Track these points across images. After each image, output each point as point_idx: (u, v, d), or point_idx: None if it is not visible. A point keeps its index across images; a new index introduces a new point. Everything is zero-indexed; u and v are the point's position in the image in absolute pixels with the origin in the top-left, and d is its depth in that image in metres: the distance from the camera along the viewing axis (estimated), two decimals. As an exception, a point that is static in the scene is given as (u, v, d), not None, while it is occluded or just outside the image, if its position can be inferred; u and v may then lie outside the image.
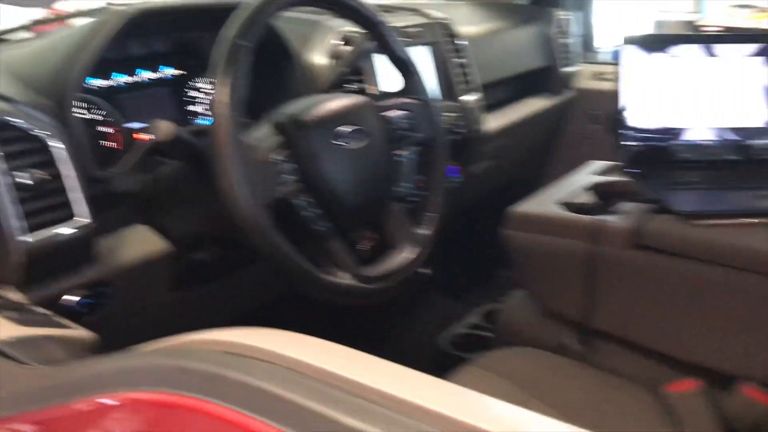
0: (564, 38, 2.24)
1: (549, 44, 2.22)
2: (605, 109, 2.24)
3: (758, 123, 1.47)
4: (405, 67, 1.20)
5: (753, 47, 1.46)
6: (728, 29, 4.67)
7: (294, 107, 1.06)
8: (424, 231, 1.19)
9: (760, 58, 1.46)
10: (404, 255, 1.13)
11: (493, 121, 1.91)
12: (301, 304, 1.73)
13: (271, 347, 0.55)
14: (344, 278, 1.04)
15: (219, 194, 0.94)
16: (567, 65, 2.24)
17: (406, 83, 1.22)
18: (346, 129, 1.07)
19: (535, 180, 2.46)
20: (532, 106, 2.16)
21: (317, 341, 0.60)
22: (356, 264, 1.07)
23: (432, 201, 1.22)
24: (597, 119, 2.29)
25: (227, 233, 1.16)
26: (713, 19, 4.88)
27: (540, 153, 2.38)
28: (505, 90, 2.10)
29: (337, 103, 1.08)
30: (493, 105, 1.99)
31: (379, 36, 1.16)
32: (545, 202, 1.38)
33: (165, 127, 0.94)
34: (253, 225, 0.93)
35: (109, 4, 1.53)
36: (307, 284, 1.00)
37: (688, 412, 1.08)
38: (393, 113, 1.17)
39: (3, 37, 1.39)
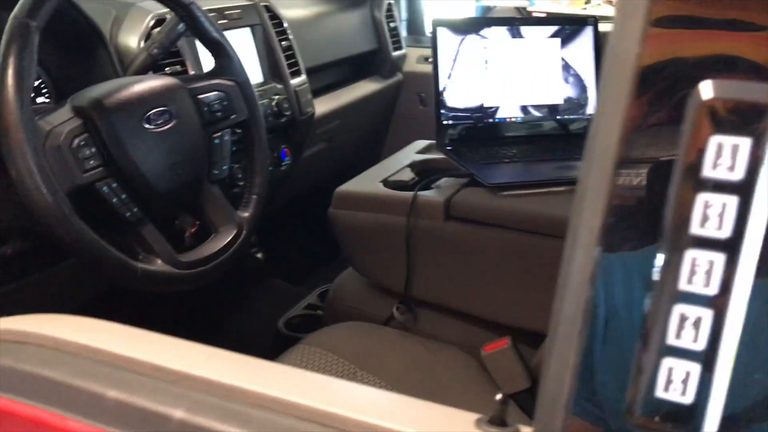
0: (391, 22, 2.30)
1: (377, 28, 2.27)
2: (431, 91, 2.34)
3: (559, 100, 1.60)
4: (218, 48, 1.19)
5: (551, 29, 1.58)
6: (550, 15, 5.01)
7: (97, 90, 1.02)
8: (244, 213, 1.19)
9: (557, 39, 1.59)
10: (223, 238, 1.13)
11: (322, 105, 1.94)
12: (127, 298, 1.68)
13: (60, 334, 0.54)
14: (159, 265, 1.02)
15: (14, 183, 0.89)
16: (395, 49, 2.31)
17: (218, 64, 1.21)
18: (154, 111, 1.05)
19: (368, 162, 2.52)
20: (362, 89, 2.21)
21: (108, 324, 0.59)
22: (172, 249, 1.05)
23: (252, 182, 1.22)
24: (424, 101, 2.38)
25: (31, 225, 1.10)
26: (539, 5, 5.20)
27: (372, 135, 2.44)
28: (334, 73, 2.14)
29: (143, 85, 1.06)
30: (322, 88, 2.02)
31: (190, 18, 1.15)
32: (368, 181, 1.42)
33: None
34: (53, 215, 0.89)
35: None
36: (118, 273, 0.97)
37: (498, 368, 1.16)
38: (207, 95, 1.16)
39: None
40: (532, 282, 1.26)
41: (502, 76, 1.58)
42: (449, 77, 1.54)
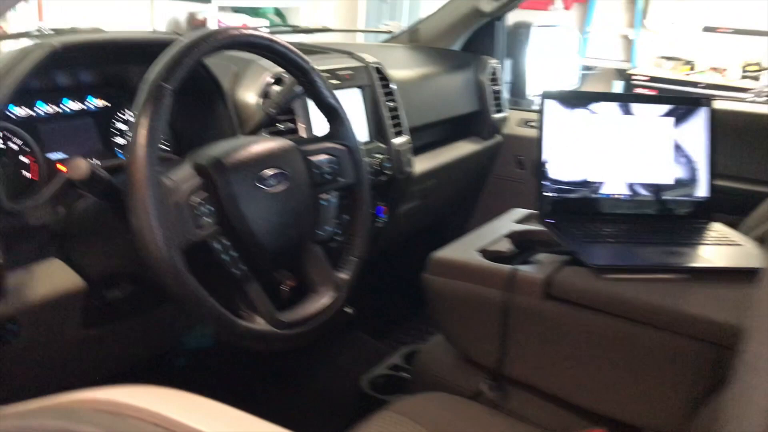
0: (495, 85, 2.31)
1: (480, 90, 2.28)
2: (531, 155, 2.33)
3: (669, 180, 1.55)
4: (333, 113, 1.22)
5: (664, 108, 1.55)
6: (653, 78, 4.91)
7: (216, 149, 1.06)
8: (343, 275, 1.20)
9: (671, 119, 1.55)
10: (322, 300, 1.14)
11: (421, 163, 1.96)
12: (218, 344, 1.72)
13: (160, 409, 0.55)
14: (260, 324, 1.04)
15: (133, 235, 0.93)
16: (497, 111, 2.31)
17: (332, 128, 1.24)
18: (269, 172, 1.08)
19: (460, 221, 2.52)
20: (461, 149, 2.22)
21: (208, 403, 0.59)
22: (273, 308, 1.07)
23: (353, 245, 1.23)
24: (522, 164, 2.36)
25: (142, 271, 1.15)
26: (642, 69, 5.12)
27: (466, 195, 2.44)
28: (434, 133, 2.15)
29: (260, 146, 1.09)
30: (422, 147, 2.04)
31: (308, 82, 1.18)
32: (465, 249, 1.41)
33: (79, 165, 0.93)
34: (166, 269, 0.93)
35: (39, 30, 1.51)
36: (221, 329, 0.99)
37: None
38: (318, 157, 1.19)
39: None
40: (632, 373, 1.20)
41: (610, 151, 1.55)
42: (554, 149, 1.53)
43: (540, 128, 1.51)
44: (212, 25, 4.54)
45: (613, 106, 1.55)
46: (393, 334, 2.28)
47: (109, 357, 1.34)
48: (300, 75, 1.18)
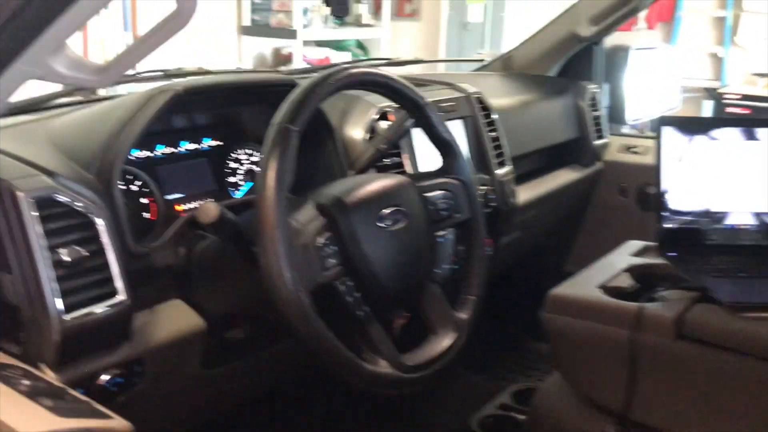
0: (595, 110, 2.24)
1: (579, 116, 2.22)
2: (634, 182, 2.24)
3: (799, 208, 1.45)
4: (447, 147, 1.20)
5: (792, 132, 1.45)
6: (746, 96, 4.70)
7: (337, 188, 1.05)
8: (462, 315, 1.16)
9: (800, 144, 1.45)
10: (444, 341, 1.11)
11: (524, 193, 1.90)
12: (326, 382, 1.70)
13: None
14: (384, 367, 1.01)
15: (262, 276, 0.92)
16: (597, 137, 2.24)
17: (446, 163, 1.22)
18: (387, 210, 1.06)
19: (560, 251, 2.44)
20: (562, 177, 2.15)
21: None
22: (396, 351, 1.04)
23: (471, 283, 1.20)
24: (625, 192, 2.27)
25: (262, 312, 1.14)
26: (733, 87, 4.91)
27: (568, 223, 2.37)
28: (535, 161, 2.10)
29: (378, 184, 1.08)
30: (523, 176, 1.99)
31: (423, 117, 1.16)
32: (585, 285, 1.35)
33: (210, 209, 0.93)
34: (295, 311, 0.91)
35: (165, 71, 1.55)
36: (347, 373, 0.97)
37: None
38: (433, 193, 1.16)
39: (46, 104, 1.40)
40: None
41: (734, 179, 1.46)
42: (673, 177, 1.45)
43: (657, 156, 1.44)
44: (297, 60, 4.64)
45: (735, 131, 1.46)
46: (494, 368, 2.22)
47: (226, 394, 1.34)
48: (415, 111, 1.16)
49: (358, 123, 1.44)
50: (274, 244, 0.90)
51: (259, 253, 0.92)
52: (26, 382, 0.86)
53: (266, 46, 4.66)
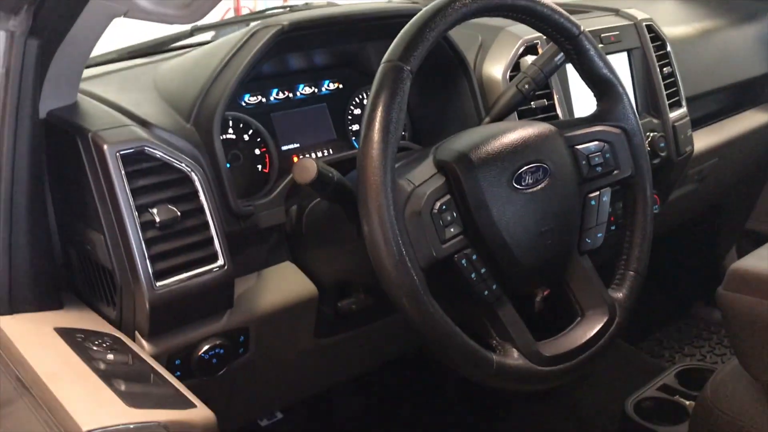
0: (795, 39, 1.86)
1: (774, 46, 1.85)
2: None
3: None
4: (607, 87, 0.97)
5: None
6: None
7: (461, 142, 0.87)
8: (618, 293, 0.95)
9: None
10: (593, 326, 0.91)
11: (700, 140, 1.61)
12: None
13: None
14: (515, 358, 0.83)
15: (367, 248, 0.77)
16: (797, 72, 1.86)
17: (604, 106, 0.99)
18: (526, 167, 0.87)
19: (742, 208, 2.10)
20: (748, 120, 1.82)
21: None
22: (532, 338, 0.86)
23: (630, 255, 0.98)
24: (831, 138, 1.89)
25: (376, 282, 1.00)
26: None
27: (755, 174, 2.02)
28: (716, 101, 1.78)
29: (514, 135, 0.88)
30: (700, 119, 1.69)
31: (577, 50, 0.94)
32: (777, 259, 1.08)
33: (306, 167, 0.79)
34: (405, 293, 0.76)
35: (291, 7, 1.42)
36: (469, 365, 0.81)
37: None
38: (586, 145, 0.94)
39: (168, 45, 1.32)
40: None
41: None
42: None
43: None
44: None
45: None
46: (656, 339, 1.97)
47: (340, 364, 1.23)
48: (566, 42, 0.94)
49: (500, 58, 1.24)
50: (379, 210, 0.74)
51: (362, 220, 0.76)
52: (110, 357, 0.79)
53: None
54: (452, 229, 0.81)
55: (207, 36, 1.43)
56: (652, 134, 1.41)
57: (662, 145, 1.42)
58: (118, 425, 0.63)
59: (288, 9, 1.52)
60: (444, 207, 0.81)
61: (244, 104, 1.11)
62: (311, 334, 1.08)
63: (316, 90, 1.20)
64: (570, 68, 1.32)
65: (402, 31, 0.81)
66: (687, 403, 1.44)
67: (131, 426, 0.64)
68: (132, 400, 0.69)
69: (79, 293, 0.98)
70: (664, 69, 1.47)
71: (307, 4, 1.55)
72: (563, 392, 1.58)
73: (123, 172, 0.84)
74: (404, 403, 1.60)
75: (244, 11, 3.79)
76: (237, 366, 0.98)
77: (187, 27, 1.30)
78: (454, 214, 0.82)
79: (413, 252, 0.77)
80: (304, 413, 1.38)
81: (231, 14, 3.73)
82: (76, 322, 0.88)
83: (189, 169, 0.89)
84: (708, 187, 1.79)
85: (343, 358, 1.20)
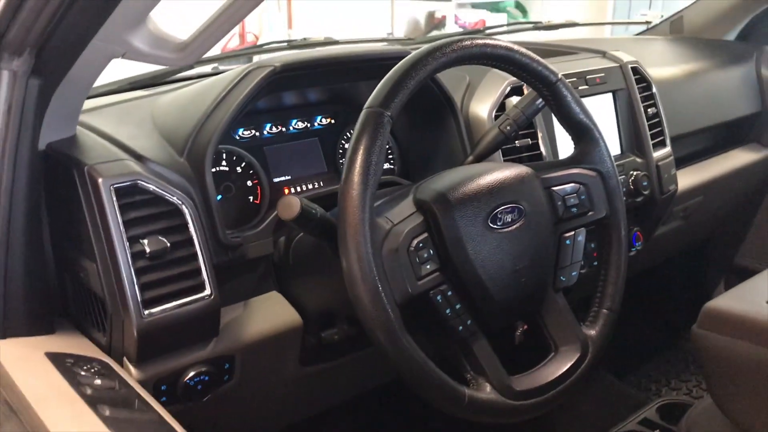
0: (780, 80, 1.91)
1: (761, 86, 1.89)
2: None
3: None
4: (583, 132, 1.01)
5: None
6: None
7: (441, 182, 0.91)
8: (591, 330, 0.99)
9: None
10: (565, 362, 0.94)
11: (685, 178, 1.65)
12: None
13: None
14: (487, 392, 0.87)
15: (345, 285, 0.81)
16: (783, 112, 1.91)
17: (580, 150, 1.03)
18: (502, 208, 0.90)
19: (729, 242, 2.13)
20: (735, 159, 1.86)
21: None
22: (504, 373, 0.89)
23: (604, 293, 1.01)
24: (816, 177, 1.93)
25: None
26: None
27: (742, 211, 2.05)
28: (702, 140, 1.82)
29: (492, 177, 0.92)
30: (686, 158, 1.73)
31: (554, 97, 0.98)
32: (749, 299, 1.12)
33: (290, 204, 0.83)
34: (380, 328, 0.79)
35: (289, 42, 1.47)
36: (443, 400, 0.84)
37: None
38: (562, 187, 0.98)
39: (167, 78, 1.36)
40: None
41: None
42: None
43: None
44: (450, 23, 4.46)
45: None
46: (642, 370, 1.99)
47: (324, 391, 1.26)
48: (544, 89, 0.98)
49: (486, 99, 1.28)
50: (357, 247, 0.78)
51: (341, 255, 0.80)
52: (98, 382, 0.82)
53: (420, 9, 4.52)
54: (428, 266, 0.85)
55: (208, 68, 1.48)
56: (635, 173, 1.45)
57: (645, 183, 1.46)
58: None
59: (287, 43, 1.58)
60: (421, 245, 0.85)
61: (238, 138, 1.15)
62: (296, 362, 1.11)
63: (308, 125, 1.25)
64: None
65: (384, 79, 0.85)
66: (667, 440, 1.46)
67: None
68: (116, 426, 0.72)
69: (72, 318, 1.01)
70: (649, 110, 1.52)
71: (305, 39, 1.61)
72: (545, 423, 1.60)
73: (116, 204, 0.88)
74: (390, 428, 1.62)
75: (249, 37, 3.87)
76: (222, 393, 1.01)
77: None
78: (431, 252, 0.85)
79: (389, 288, 0.80)
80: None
81: (236, 39, 3.81)
82: (67, 347, 0.91)
83: (180, 202, 0.93)
84: (694, 223, 1.82)
85: (328, 385, 1.23)
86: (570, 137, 1.04)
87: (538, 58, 0.96)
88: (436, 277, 0.86)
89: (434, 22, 4.51)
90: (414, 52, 0.87)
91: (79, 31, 0.81)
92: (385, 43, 1.78)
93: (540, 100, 1.12)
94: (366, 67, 1.17)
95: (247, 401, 1.08)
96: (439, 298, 0.85)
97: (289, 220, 0.83)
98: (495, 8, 4.56)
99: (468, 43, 0.89)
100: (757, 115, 1.90)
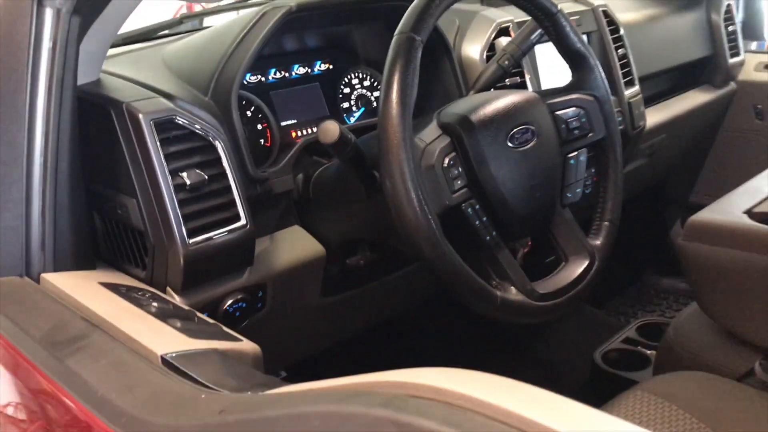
0: (730, 25, 2.04)
1: (712, 31, 2.02)
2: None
3: None
4: (581, 60, 1.09)
5: None
6: None
7: (462, 106, 0.98)
8: (596, 241, 1.08)
9: None
10: (577, 268, 1.03)
11: (652, 116, 1.77)
12: (442, 311, 1.67)
13: (475, 393, 0.47)
14: (514, 294, 0.95)
15: (387, 199, 0.87)
16: (732, 55, 2.04)
17: (579, 77, 1.11)
18: (517, 129, 0.98)
19: (688, 179, 2.27)
20: (692, 99, 1.99)
21: (512, 383, 0.51)
22: (526, 277, 0.97)
23: (605, 208, 1.11)
24: (762, 114, 2.07)
25: (383, 238, 1.10)
26: None
27: (696, 150, 2.20)
28: (663, 82, 1.94)
29: (506, 100, 0.99)
30: (650, 98, 1.84)
31: (555, 27, 1.06)
32: (730, 211, 1.23)
33: (330, 129, 0.88)
34: (423, 235, 0.86)
35: None
36: (478, 299, 0.92)
37: None
38: (565, 111, 1.07)
39: (158, 33, 1.39)
40: None
41: None
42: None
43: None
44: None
45: None
46: (613, 303, 2.12)
47: (345, 321, 1.32)
48: (546, 19, 1.06)
49: (476, 40, 1.35)
50: (401, 163, 0.84)
51: (383, 174, 0.86)
52: (155, 304, 0.86)
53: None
54: (459, 182, 0.92)
55: (196, 24, 1.51)
56: (611, 110, 1.55)
57: (619, 119, 1.56)
58: (188, 350, 0.72)
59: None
60: (451, 162, 0.92)
61: (246, 83, 1.19)
62: (318, 292, 1.17)
63: (309, 70, 1.29)
64: (538, 50, 1.46)
65: (411, 6, 0.91)
66: (648, 352, 1.59)
67: (198, 351, 0.72)
68: (189, 333, 0.77)
69: (103, 258, 1.05)
70: (619, 50, 1.62)
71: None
72: (536, 348, 1.71)
73: (157, 139, 0.92)
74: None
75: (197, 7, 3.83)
76: (256, 320, 1.07)
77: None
78: (460, 170, 0.92)
79: (430, 200, 0.87)
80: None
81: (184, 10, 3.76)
82: (112, 279, 0.95)
83: (213, 137, 0.98)
84: (656, 161, 1.95)
85: (349, 315, 1.30)
86: (568, 66, 1.12)
87: None
88: (466, 192, 0.93)
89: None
90: None
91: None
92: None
93: (534, 35, 1.20)
94: (366, 8, 1.23)
95: (280, 328, 1.13)
96: (469, 210, 0.93)
97: (329, 143, 0.89)
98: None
99: (482, -25, 0.96)
100: (709, 58, 2.03)
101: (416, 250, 0.88)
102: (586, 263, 1.04)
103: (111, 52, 1.23)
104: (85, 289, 0.87)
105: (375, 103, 1.33)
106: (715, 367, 1.22)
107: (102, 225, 1.03)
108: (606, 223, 1.10)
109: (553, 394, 0.48)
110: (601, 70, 1.10)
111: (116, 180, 0.96)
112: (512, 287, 0.96)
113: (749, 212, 1.22)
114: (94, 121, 0.97)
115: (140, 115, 0.92)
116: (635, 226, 2.34)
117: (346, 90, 1.32)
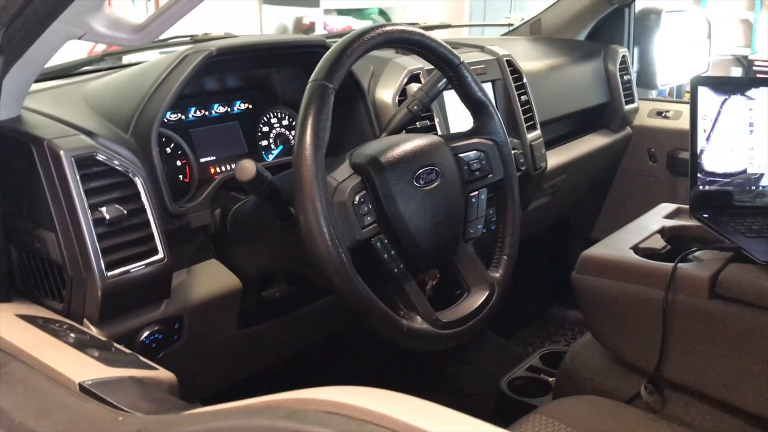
0: (625, 74, 2.21)
1: (609, 80, 2.19)
2: (664, 147, 2.22)
3: (836, 169, 1.43)
4: (481, 107, 1.19)
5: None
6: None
7: (372, 147, 1.06)
8: (495, 274, 1.17)
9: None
10: (478, 299, 1.11)
11: (553, 158, 1.90)
12: (358, 341, 1.72)
13: (369, 405, 0.53)
14: (420, 323, 1.02)
15: (301, 234, 0.93)
16: (627, 102, 2.21)
17: (479, 123, 1.21)
18: (422, 170, 1.06)
19: (588, 217, 2.43)
20: (591, 142, 2.14)
21: (402, 397, 0.57)
22: (431, 308, 1.05)
23: (504, 243, 1.20)
24: (654, 157, 2.25)
25: (298, 270, 1.16)
26: (765, 54, 4.80)
27: (596, 189, 2.35)
28: (563, 126, 2.08)
29: (413, 144, 1.08)
30: (551, 141, 1.98)
31: (458, 78, 1.15)
32: (618, 246, 1.35)
33: (246, 167, 0.94)
34: (334, 267, 0.92)
35: (192, 37, 1.56)
36: (386, 329, 0.98)
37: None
38: (466, 154, 1.16)
39: (79, 69, 1.42)
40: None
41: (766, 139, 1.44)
42: (708, 139, 1.44)
43: (692, 117, 1.42)
44: (319, 29, 4.62)
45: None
46: (521, 334, 2.23)
47: (262, 352, 1.36)
48: (449, 70, 1.15)
49: (389, 85, 1.44)
50: (314, 200, 0.91)
51: (298, 210, 0.92)
52: (73, 335, 0.89)
53: (288, 14, 4.63)
54: (369, 218, 0.99)
55: (116, 61, 1.54)
56: (513, 152, 1.66)
57: (522, 161, 1.67)
58: (105, 377, 0.75)
59: (190, 38, 1.66)
60: (362, 200, 0.99)
61: (166, 120, 1.24)
62: (234, 324, 1.21)
63: (228, 109, 1.35)
64: (447, 96, 1.56)
65: (325, 56, 0.99)
66: (550, 379, 1.69)
67: (116, 378, 0.76)
68: (107, 362, 0.80)
69: (18, 290, 1.06)
70: (522, 97, 1.74)
71: (206, 34, 1.70)
72: (448, 376, 1.79)
73: (77, 175, 0.95)
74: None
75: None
76: (173, 351, 1.10)
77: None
78: (369, 206, 1.00)
79: (341, 235, 0.94)
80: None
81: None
82: (29, 312, 0.97)
83: (132, 173, 1.02)
84: (559, 199, 2.08)
85: (266, 346, 1.34)
86: (469, 113, 1.22)
87: (444, 43, 1.14)
88: (375, 228, 1.00)
89: (303, 27, 4.64)
90: (348, 34, 1.01)
91: (45, 11, 0.88)
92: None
93: (441, 83, 1.29)
94: (285, 54, 1.30)
95: (197, 359, 1.16)
96: (378, 244, 1.00)
97: (246, 181, 0.94)
98: (360, 15, 4.77)
99: (390, 29, 1.05)
100: (606, 104, 2.20)
101: (328, 282, 0.94)
102: (486, 294, 1.13)
103: (31, 87, 1.25)
104: (1, 321, 0.88)
105: (293, 141, 1.40)
106: (607, 391, 1.32)
107: (18, 258, 1.05)
108: (505, 257, 1.19)
109: (439, 406, 0.54)
110: (500, 116, 1.20)
111: (35, 214, 0.99)
112: (418, 316, 1.03)
113: (635, 248, 1.35)
114: (14, 157, 0.99)
115: (62, 152, 0.95)
116: (542, 261, 2.48)
117: (265, 128, 1.38)
